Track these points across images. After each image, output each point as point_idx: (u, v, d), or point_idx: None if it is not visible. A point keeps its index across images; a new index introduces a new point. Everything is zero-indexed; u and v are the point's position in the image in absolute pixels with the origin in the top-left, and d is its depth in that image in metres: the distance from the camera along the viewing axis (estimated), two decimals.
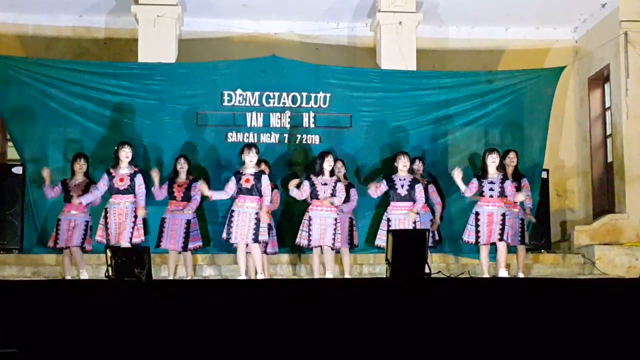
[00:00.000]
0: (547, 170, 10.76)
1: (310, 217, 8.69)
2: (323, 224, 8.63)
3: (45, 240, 9.54)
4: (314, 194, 8.72)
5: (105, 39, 11.82)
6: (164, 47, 10.85)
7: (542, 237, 10.51)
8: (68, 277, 8.79)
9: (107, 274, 7.05)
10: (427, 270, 7.05)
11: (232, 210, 8.48)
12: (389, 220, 8.82)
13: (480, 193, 8.75)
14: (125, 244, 8.53)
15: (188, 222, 9.01)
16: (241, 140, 10.13)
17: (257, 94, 10.26)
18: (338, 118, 10.35)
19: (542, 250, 10.54)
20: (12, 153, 11.06)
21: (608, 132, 11.82)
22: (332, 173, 8.81)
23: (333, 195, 8.70)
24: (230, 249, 9.25)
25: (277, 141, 10.21)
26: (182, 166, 9.12)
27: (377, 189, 9.00)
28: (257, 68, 10.35)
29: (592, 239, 10.62)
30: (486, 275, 8.59)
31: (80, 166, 9.00)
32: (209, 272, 9.69)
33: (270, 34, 11.84)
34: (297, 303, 5.74)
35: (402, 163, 8.94)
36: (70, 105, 10.01)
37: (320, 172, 8.78)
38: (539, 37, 12.28)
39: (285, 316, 5.61)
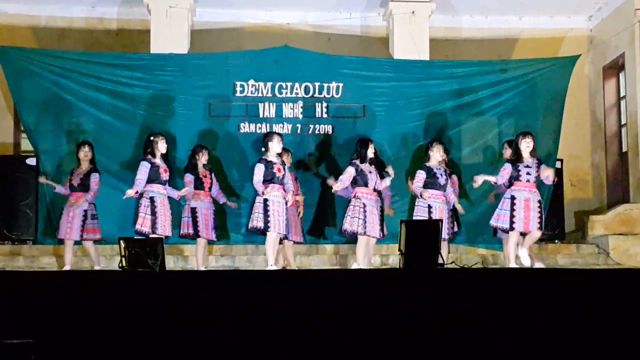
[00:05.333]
0: (561, 160, 10.71)
1: (364, 204, 8.45)
2: (373, 213, 8.50)
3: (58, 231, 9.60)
4: (363, 181, 8.51)
5: (118, 30, 11.84)
6: (176, 38, 10.87)
7: (556, 227, 10.47)
8: (67, 269, 8.67)
9: (120, 265, 7.07)
10: (440, 260, 7.03)
11: (266, 200, 8.22)
12: (429, 207, 8.55)
13: (516, 178, 8.36)
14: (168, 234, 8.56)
15: (215, 212, 9.04)
16: (254, 130, 10.14)
17: (269, 84, 10.25)
18: (351, 108, 10.32)
19: (556, 241, 10.50)
20: (26, 144, 11.11)
21: (623, 122, 11.75)
22: (371, 161, 8.68)
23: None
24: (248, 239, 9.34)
25: (289, 131, 10.19)
26: (201, 157, 9.03)
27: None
28: (270, 58, 10.33)
29: (606, 229, 10.55)
30: (512, 265, 8.30)
31: (85, 153, 8.92)
32: (221, 263, 9.71)
33: (283, 24, 11.81)
34: (308, 294, 5.74)
35: (440, 153, 8.73)
36: (83, 97, 10.02)
37: (365, 159, 8.60)
38: (553, 26, 12.21)
39: (298, 307, 5.61)
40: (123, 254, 7.02)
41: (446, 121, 10.37)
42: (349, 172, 8.53)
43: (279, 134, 8.63)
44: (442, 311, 5.70)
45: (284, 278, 6.37)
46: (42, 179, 9.30)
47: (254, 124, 10.20)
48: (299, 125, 10.24)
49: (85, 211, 8.76)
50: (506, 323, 5.69)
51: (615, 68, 11.88)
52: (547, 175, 8.42)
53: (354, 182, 8.55)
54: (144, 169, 8.47)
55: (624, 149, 11.64)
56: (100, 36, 11.79)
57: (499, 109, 10.51)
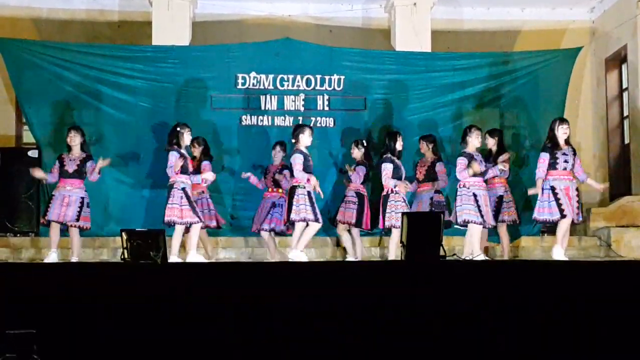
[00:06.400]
0: None
1: (403, 198, 8.52)
2: (408, 206, 8.59)
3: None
4: (397, 175, 8.58)
5: (119, 22, 11.81)
6: (178, 30, 10.85)
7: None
8: (53, 254, 8.50)
9: (122, 257, 7.07)
10: (442, 252, 7.03)
11: (309, 192, 8.33)
12: (475, 195, 8.33)
13: (553, 166, 8.20)
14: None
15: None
16: (255, 123, 10.14)
17: (271, 76, 10.23)
18: (352, 100, 10.31)
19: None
20: (27, 136, 11.11)
21: (625, 114, 11.73)
22: (399, 154, 8.74)
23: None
24: (245, 232, 9.36)
25: (291, 124, 10.17)
26: (195, 147, 9.09)
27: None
28: (271, 50, 10.32)
29: (608, 221, 10.53)
30: (560, 250, 8.11)
31: (71, 139, 8.78)
32: (222, 255, 9.73)
33: (284, 16, 11.78)
34: (311, 286, 5.75)
35: (478, 139, 8.55)
36: (85, 89, 10.02)
37: (394, 152, 8.66)
38: (555, 18, 12.17)
39: (298, 298, 5.62)
40: (125, 246, 7.03)
41: (448, 113, 10.35)
42: (389, 169, 8.52)
43: (310, 127, 8.73)
44: (444, 303, 5.71)
45: (285, 270, 6.38)
46: (37, 173, 8.96)
47: (255, 116, 10.19)
48: (300, 118, 10.22)
49: (82, 198, 8.65)
50: (508, 315, 5.70)
51: (618, 60, 11.85)
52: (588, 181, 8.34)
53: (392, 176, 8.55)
54: (173, 158, 8.43)
55: (626, 141, 11.62)
56: (101, 28, 11.76)
57: (501, 101, 10.50)
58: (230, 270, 6.38)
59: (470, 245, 8.34)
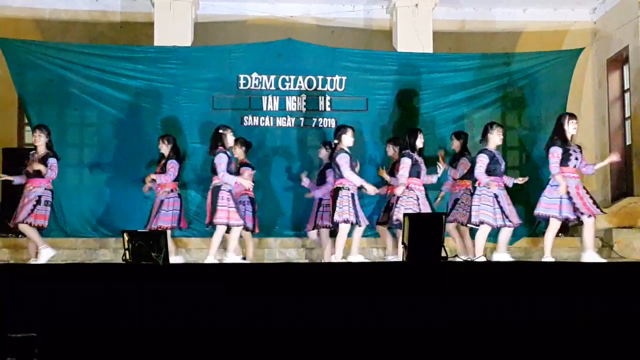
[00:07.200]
0: None
1: (417, 196, 8.36)
2: (425, 204, 8.45)
3: (61, 223, 9.57)
4: (415, 172, 8.42)
5: (122, 23, 11.83)
6: (180, 30, 10.86)
7: None
8: (44, 250, 8.41)
9: (124, 258, 7.09)
10: (443, 253, 7.03)
11: (353, 194, 8.31)
12: (496, 196, 8.06)
13: (565, 162, 7.89)
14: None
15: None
16: (257, 124, 10.15)
17: (273, 77, 10.25)
18: (354, 101, 10.32)
19: (560, 234, 10.43)
20: (29, 137, 11.08)
21: (627, 115, 11.73)
22: (420, 151, 8.62)
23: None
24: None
25: (292, 125, 10.23)
26: (165, 144, 9.03)
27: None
28: (273, 51, 10.34)
29: (610, 223, 10.51)
30: (548, 257, 7.93)
31: (36, 139, 8.66)
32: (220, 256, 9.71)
33: (286, 17, 11.79)
34: (313, 287, 5.76)
35: (500, 136, 8.30)
36: (87, 89, 10.04)
37: (414, 149, 8.51)
38: (557, 19, 12.17)
39: (302, 300, 5.62)
40: (127, 247, 7.04)
41: (450, 114, 10.36)
42: (407, 164, 8.37)
43: (352, 128, 8.58)
44: (446, 304, 5.71)
45: (285, 271, 6.38)
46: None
47: (257, 117, 10.21)
48: (302, 119, 10.24)
49: (39, 197, 8.47)
50: (508, 315, 5.70)
51: (619, 61, 11.85)
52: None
53: (411, 173, 8.43)
54: (225, 160, 8.39)
55: (628, 142, 11.62)
56: (104, 29, 11.78)
57: (503, 102, 10.51)
58: (230, 271, 6.39)
59: (477, 246, 8.25)
